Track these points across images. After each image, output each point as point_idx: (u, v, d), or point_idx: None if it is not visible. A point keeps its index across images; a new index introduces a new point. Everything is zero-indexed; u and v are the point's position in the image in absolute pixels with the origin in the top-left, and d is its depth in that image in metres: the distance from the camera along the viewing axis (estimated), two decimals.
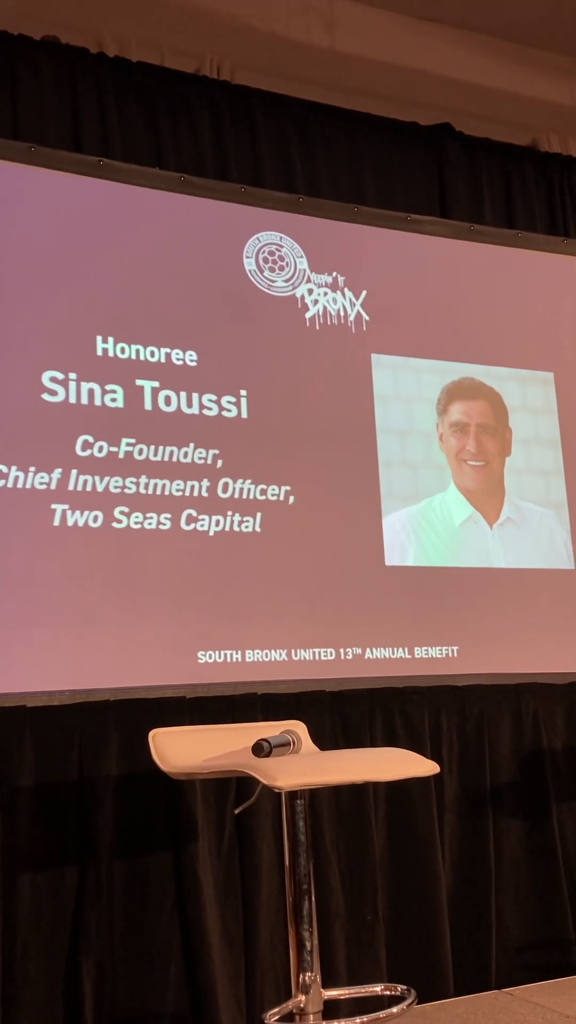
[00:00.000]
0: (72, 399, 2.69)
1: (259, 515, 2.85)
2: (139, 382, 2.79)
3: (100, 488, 2.66)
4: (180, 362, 2.86)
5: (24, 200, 2.75)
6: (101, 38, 3.06)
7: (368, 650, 2.89)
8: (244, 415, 2.90)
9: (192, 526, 2.76)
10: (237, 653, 2.72)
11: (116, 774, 2.50)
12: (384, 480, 3.05)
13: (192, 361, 2.87)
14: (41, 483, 2.60)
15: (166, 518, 2.73)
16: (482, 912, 2.84)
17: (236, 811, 2.44)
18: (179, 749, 2.13)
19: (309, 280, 3.10)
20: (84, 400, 2.70)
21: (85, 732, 2.50)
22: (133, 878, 2.47)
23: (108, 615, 2.59)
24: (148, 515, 2.71)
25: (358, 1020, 1.90)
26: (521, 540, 3.21)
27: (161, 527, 2.71)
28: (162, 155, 3.04)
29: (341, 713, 2.81)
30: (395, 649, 2.93)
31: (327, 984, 2.10)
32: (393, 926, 2.73)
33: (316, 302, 3.09)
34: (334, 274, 3.14)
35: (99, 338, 2.77)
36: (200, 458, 2.81)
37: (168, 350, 2.85)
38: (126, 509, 2.68)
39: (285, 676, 2.75)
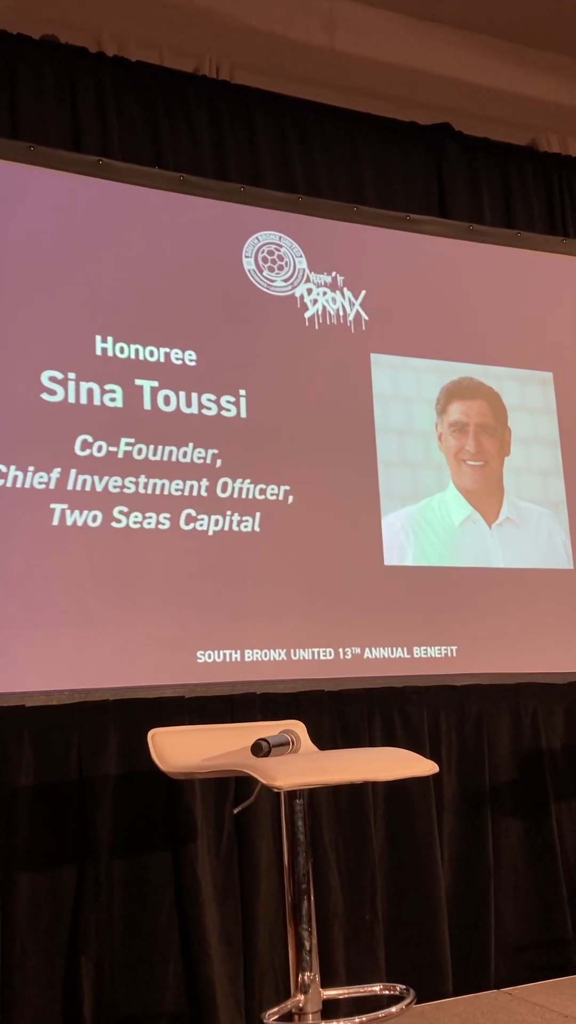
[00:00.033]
0: (71, 399, 2.69)
1: (258, 515, 2.85)
2: (138, 382, 2.79)
3: (99, 488, 2.66)
4: (179, 362, 2.86)
5: (23, 200, 2.75)
6: (100, 37, 3.06)
7: (367, 650, 2.89)
8: (243, 415, 2.90)
9: (191, 526, 2.76)
10: (236, 653, 2.72)
11: (115, 774, 2.50)
12: (383, 480, 3.05)
13: (191, 361, 2.87)
14: (40, 483, 2.60)
15: (165, 518, 2.73)
16: (481, 912, 2.84)
17: (235, 811, 2.44)
18: (178, 749, 2.13)
19: (308, 280, 3.10)
20: (83, 400, 2.70)
21: (84, 732, 2.50)
22: (132, 878, 2.47)
23: (107, 615, 2.59)
24: (147, 515, 2.71)
25: (357, 1020, 1.90)
26: (520, 540, 3.21)
27: (160, 527, 2.71)
28: (161, 155, 3.04)
29: (340, 713, 2.81)
30: (394, 649, 2.93)
31: (326, 984, 2.11)
32: (392, 926, 2.73)
33: (315, 302, 3.09)
34: (333, 274, 3.14)
35: (98, 338, 2.77)
36: (199, 458, 2.81)
37: (167, 350, 2.85)
38: (125, 509, 2.68)
39: (284, 676, 2.75)
